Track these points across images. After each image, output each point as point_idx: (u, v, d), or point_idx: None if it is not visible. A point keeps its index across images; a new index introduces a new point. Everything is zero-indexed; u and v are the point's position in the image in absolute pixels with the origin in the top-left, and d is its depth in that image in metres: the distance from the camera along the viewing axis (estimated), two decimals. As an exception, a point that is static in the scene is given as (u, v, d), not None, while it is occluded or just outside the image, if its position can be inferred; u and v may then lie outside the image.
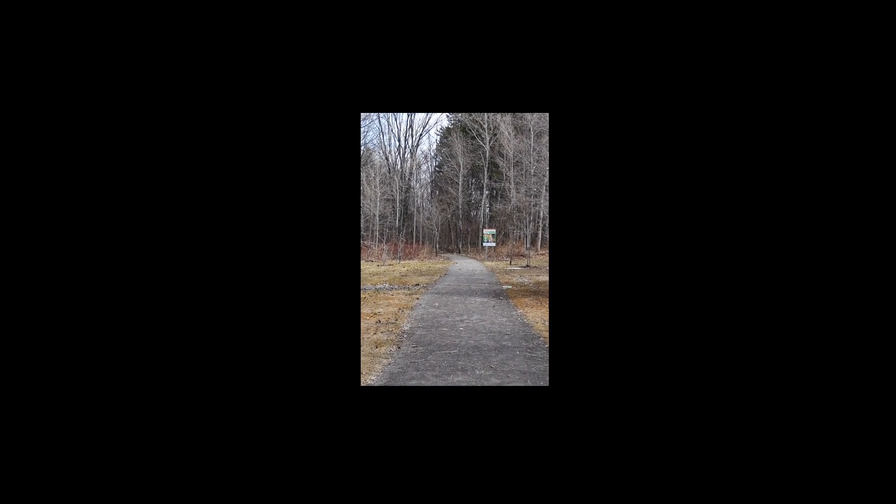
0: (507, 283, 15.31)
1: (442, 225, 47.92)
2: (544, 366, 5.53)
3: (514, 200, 33.11)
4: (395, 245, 34.12)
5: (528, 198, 30.38)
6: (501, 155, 37.87)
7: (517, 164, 34.12)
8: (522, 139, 32.38)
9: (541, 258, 27.64)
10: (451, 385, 5.01)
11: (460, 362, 5.72)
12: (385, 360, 5.80)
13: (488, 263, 27.44)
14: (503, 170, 38.25)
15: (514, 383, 4.98)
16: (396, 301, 10.93)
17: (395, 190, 40.94)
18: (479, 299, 11.41)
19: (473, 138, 44.24)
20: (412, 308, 9.91)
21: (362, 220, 33.85)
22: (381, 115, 45.20)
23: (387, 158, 46.87)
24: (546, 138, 28.68)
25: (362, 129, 35.55)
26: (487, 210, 44.88)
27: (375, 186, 34.32)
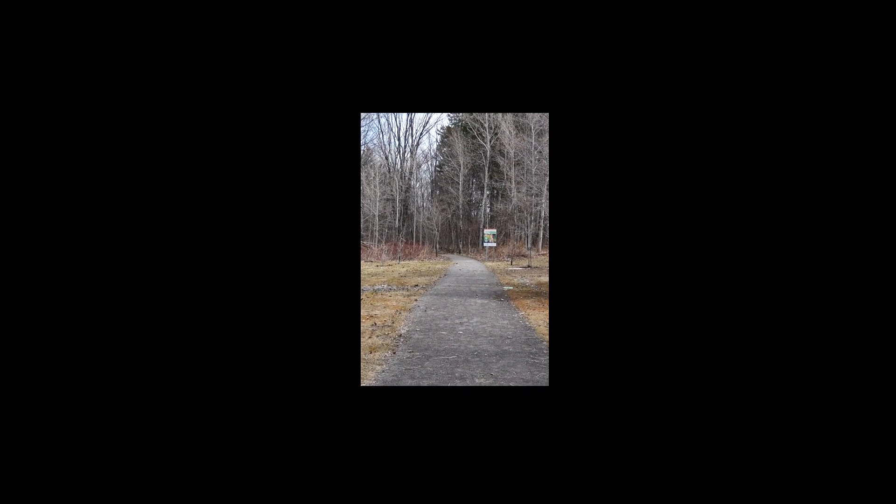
0: (508, 284, 14.99)
1: (442, 225, 47.62)
2: (548, 374, 5.22)
3: (514, 200, 32.81)
4: (395, 245, 33.82)
5: (529, 197, 30.07)
6: (502, 154, 37.57)
7: (518, 163, 33.81)
8: (524, 137, 32.07)
9: (542, 258, 27.33)
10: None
11: (458, 370, 5.40)
12: (378, 367, 5.48)
13: (489, 264, 27.15)
14: (504, 169, 37.94)
15: (516, 392, 4.69)
16: (394, 303, 10.61)
17: (394, 189, 40.64)
18: (479, 301, 11.09)
19: (474, 137, 43.96)
20: (410, 310, 9.59)
21: (362, 220, 33.56)
22: (381, 114, 44.94)
23: (386, 158, 46.58)
24: (548, 136, 28.37)
25: (362, 129, 35.35)
26: (488, 210, 44.57)
27: (375, 186, 34.02)
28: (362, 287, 14.28)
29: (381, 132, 65.46)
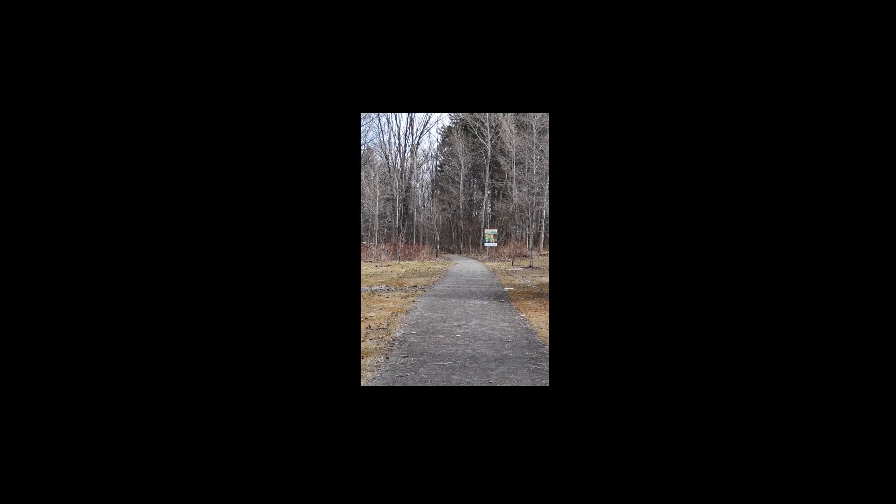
0: (508, 285, 14.65)
1: (443, 225, 47.26)
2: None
3: (516, 199, 32.46)
4: (395, 245, 33.49)
5: (530, 196, 29.72)
6: (503, 153, 37.22)
7: (519, 162, 33.46)
8: (525, 136, 31.72)
9: (543, 259, 26.99)
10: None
11: (455, 377, 5.05)
12: (369, 374, 5.13)
13: (490, 264, 26.82)
14: (505, 168, 37.60)
15: (517, 402, 4.35)
16: (391, 304, 10.27)
17: (394, 189, 40.30)
18: (478, 302, 10.75)
19: (475, 136, 43.62)
20: (407, 312, 9.24)
21: (361, 220, 33.25)
22: (381, 114, 44.61)
23: (386, 157, 46.25)
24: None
25: (362, 129, 35.03)
26: (489, 209, 44.21)
27: (375, 186, 33.69)
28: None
29: (381, 131, 65.17)
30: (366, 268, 22.67)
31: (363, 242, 32.70)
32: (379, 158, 44.46)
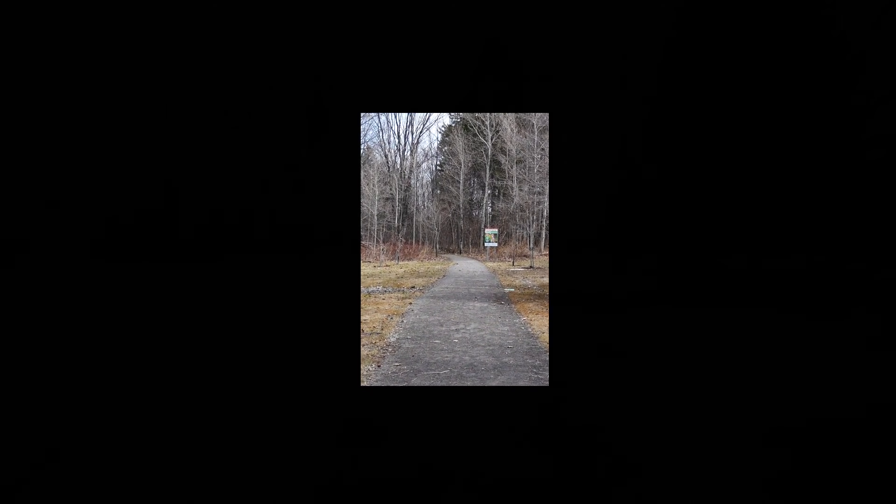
0: (509, 286, 14.27)
1: (442, 224, 46.87)
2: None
3: (516, 199, 32.07)
4: (394, 245, 33.10)
5: (531, 196, 29.33)
6: (504, 152, 36.83)
7: (520, 160, 33.06)
8: (526, 134, 31.32)
9: (545, 259, 26.62)
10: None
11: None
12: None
13: (490, 264, 26.46)
14: (505, 167, 37.22)
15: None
16: (387, 306, 9.89)
17: (394, 188, 39.91)
18: (478, 304, 10.37)
19: (475, 135, 43.22)
20: (403, 315, 8.86)
21: (360, 220, 32.87)
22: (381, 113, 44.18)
23: (386, 156, 45.86)
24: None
25: (362, 127, 34.67)
26: (489, 209, 43.81)
27: (373, 185, 33.32)
28: (356, 289, 13.63)
29: (380, 130, 64.78)
30: (364, 268, 22.31)
31: (362, 242, 32.35)
32: (378, 157, 44.08)
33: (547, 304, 10.21)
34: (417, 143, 49.68)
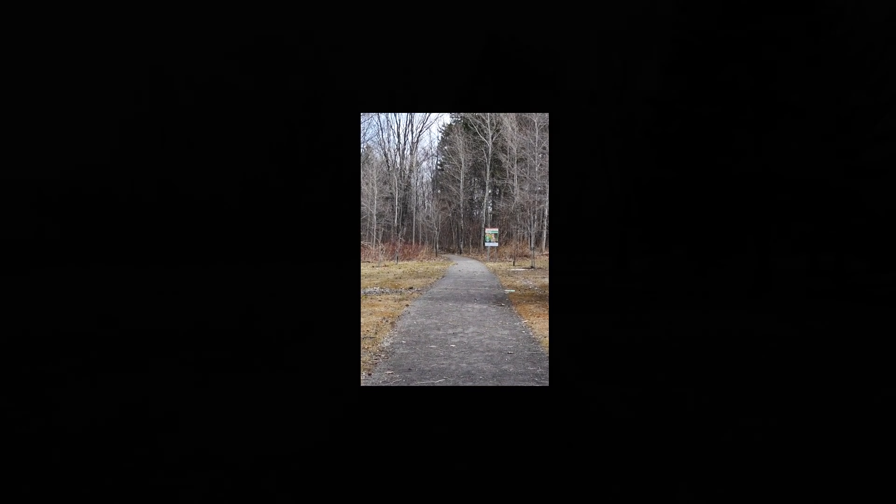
0: (509, 287, 13.90)
1: (443, 224, 46.45)
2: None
3: (517, 198, 31.69)
4: (393, 245, 32.73)
5: (532, 195, 28.95)
6: (504, 150, 36.44)
7: (521, 159, 32.67)
8: (527, 132, 30.95)
9: (546, 259, 26.23)
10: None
11: (446, 399, 4.32)
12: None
13: (490, 264, 26.09)
14: (506, 166, 36.83)
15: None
16: (383, 308, 9.52)
17: (393, 188, 39.52)
18: (477, 306, 10.00)
19: (475, 134, 42.82)
20: (399, 317, 8.50)
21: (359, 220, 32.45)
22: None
23: (385, 155, 45.46)
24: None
25: (362, 126, 34.14)
26: (490, 208, 43.41)
27: (373, 184, 32.94)
28: (352, 290, 13.23)
29: (380, 129, 64.33)
30: (362, 268, 21.93)
31: (361, 242, 31.98)
32: (378, 156, 43.68)
33: (548, 305, 9.85)
34: (417, 141, 49.27)
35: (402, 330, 7.39)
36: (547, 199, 28.29)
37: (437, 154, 52.37)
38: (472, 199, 48.20)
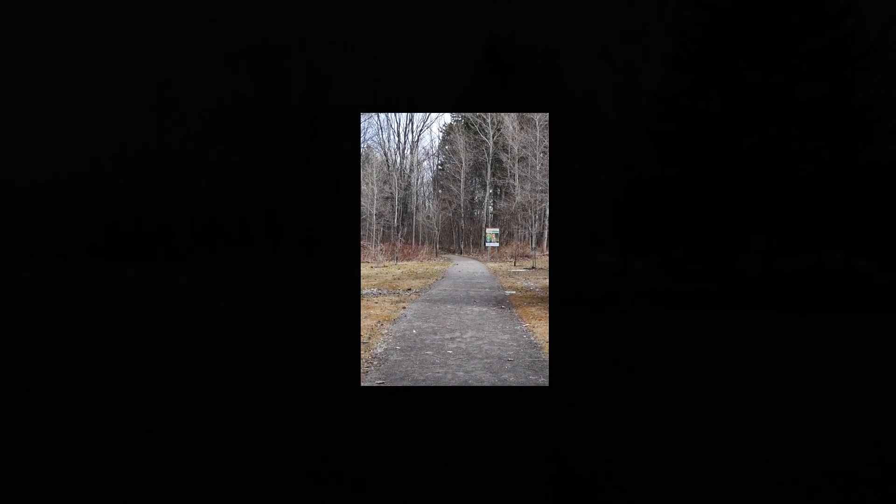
0: (510, 288, 13.57)
1: (443, 224, 46.10)
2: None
3: (518, 197, 31.36)
4: (393, 245, 32.41)
5: (533, 194, 28.62)
6: (505, 150, 36.10)
7: (522, 158, 32.34)
8: (528, 130, 30.62)
9: (547, 259, 25.91)
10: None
11: (440, 413, 3.99)
12: (332, 409, 4.11)
13: (491, 265, 25.77)
14: (507, 165, 36.50)
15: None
16: (378, 311, 9.20)
17: (393, 187, 39.19)
18: (476, 308, 9.68)
19: (476, 133, 42.50)
20: (394, 321, 8.18)
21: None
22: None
23: (385, 155, 45.14)
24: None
25: (362, 126, 33.81)
26: (490, 208, 43.07)
27: (373, 183, 32.64)
28: (349, 291, 12.93)
29: (380, 128, 64.00)
30: (361, 269, 21.64)
31: (360, 242, 31.69)
32: (378, 156, 43.37)
33: (548, 304, 9.53)
34: (418, 140, 48.95)
35: (397, 335, 7.06)
36: (548, 198, 27.98)
37: (438, 154, 52.02)
38: (472, 199, 47.85)
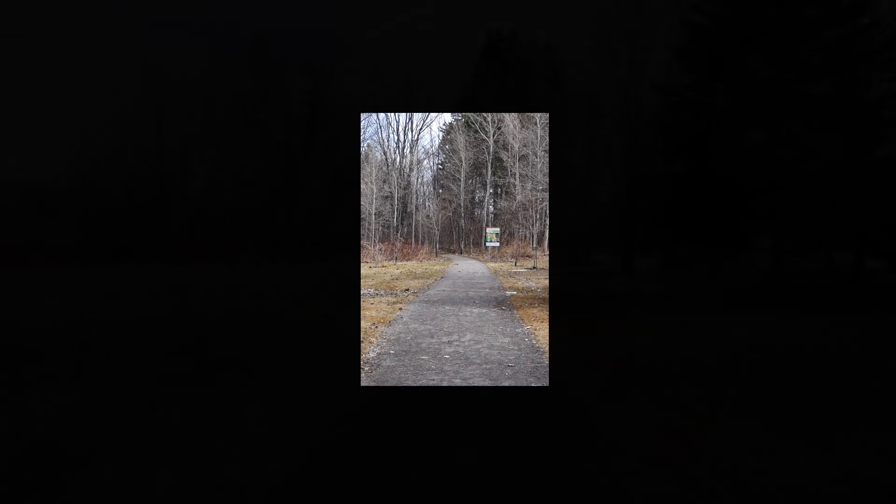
0: (511, 289, 13.21)
1: (443, 223, 45.76)
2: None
3: (519, 197, 31.00)
4: (392, 245, 32.07)
5: (534, 193, 28.25)
6: (506, 148, 35.75)
7: (523, 157, 31.97)
8: (530, 128, 30.25)
9: (548, 259, 25.56)
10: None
11: (434, 427, 3.63)
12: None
13: (491, 265, 25.42)
14: (508, 164, 36.16)
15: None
16: (374, 312, 8.83)
17: (393, 186, 38.83)
18: (476, 310, 9.30)
19: (476, 132, 42.16)
20: (390, 323, 7.81)
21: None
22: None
23: (385, 154, 44.80)
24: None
25: (361, 125, 33.48)
26: (491, 208, 42.71)
27: (372, 182, 32.29)
28: (345, 292, 12.59)
29: (379, 128, 63.69)
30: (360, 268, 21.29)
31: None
32: (377, 155, 43.04)
33: (548, 305, 9.16)
34: (418, 139, 48.61)
35: (392, 338, 6.69)
36: (549, 197, 27.62)
37: (438, 153, 51.66)
38: (473, 198, 47.49)
